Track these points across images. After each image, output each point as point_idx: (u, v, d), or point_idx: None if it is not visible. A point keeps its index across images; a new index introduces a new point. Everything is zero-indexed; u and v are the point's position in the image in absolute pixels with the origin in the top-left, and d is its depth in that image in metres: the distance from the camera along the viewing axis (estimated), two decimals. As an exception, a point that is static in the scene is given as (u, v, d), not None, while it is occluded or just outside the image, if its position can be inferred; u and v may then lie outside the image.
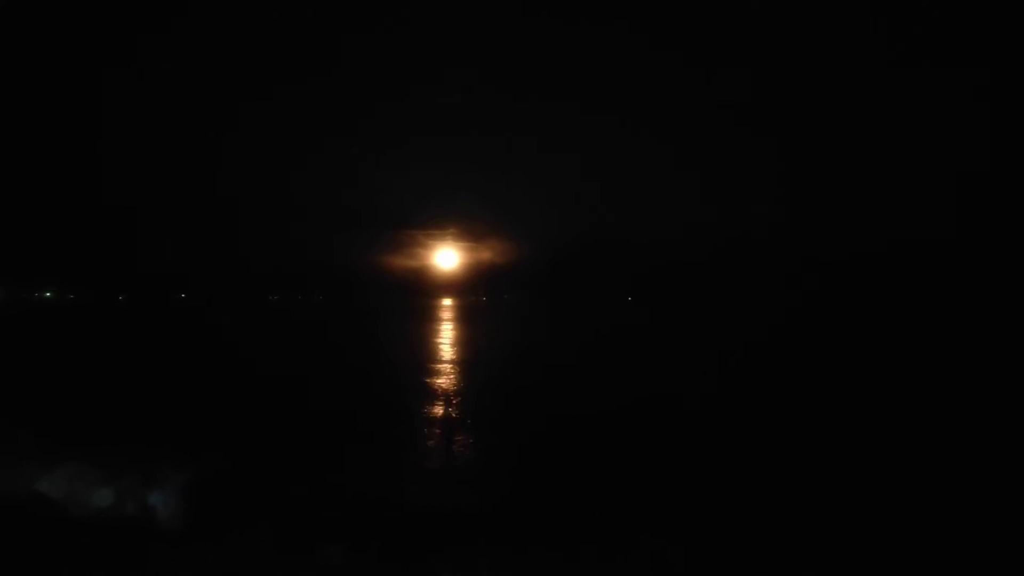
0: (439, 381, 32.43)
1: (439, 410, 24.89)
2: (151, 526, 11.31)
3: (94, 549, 9.90)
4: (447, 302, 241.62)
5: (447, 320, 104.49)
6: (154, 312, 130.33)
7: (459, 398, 27.81)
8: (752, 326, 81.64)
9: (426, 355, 45.57)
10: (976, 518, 12.65)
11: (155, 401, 24.98)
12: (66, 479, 12.71)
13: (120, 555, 9.71)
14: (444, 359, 42.71)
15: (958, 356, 42.27)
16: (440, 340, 61.26)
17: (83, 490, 12.51)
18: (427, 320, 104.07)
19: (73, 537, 10.43)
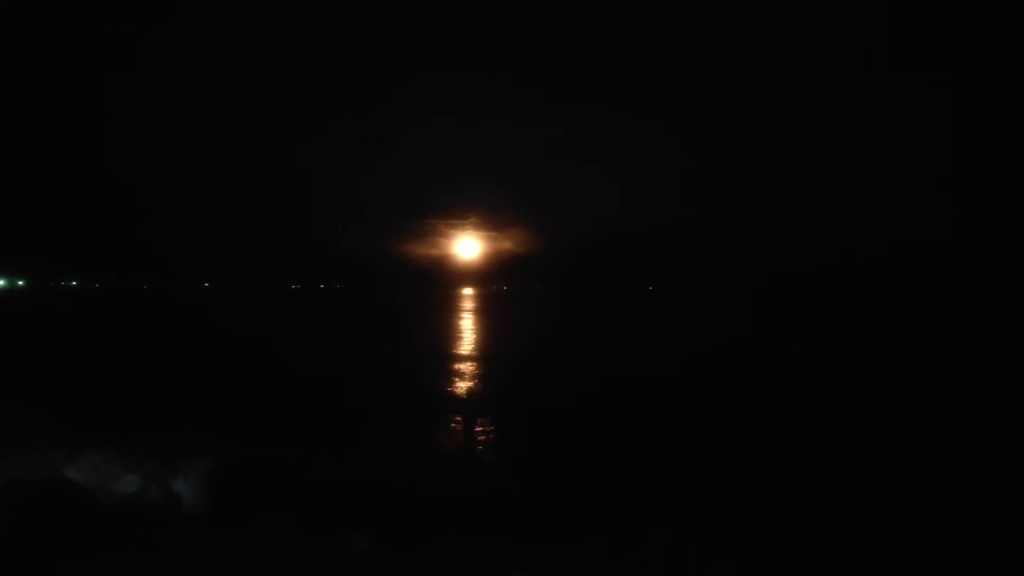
0: (460, 371, 32.54)
1: (460, 399, 25.00)
2: (176, 511, 11.47)
3: (122, 533, 10.05)
4: (468, 291, 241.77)
5: (468, 310, 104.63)
6: (177, 301, 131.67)
7: (480, 387, 27.89)
8: (756, 319, 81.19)
9: (448, 344, 45.71)
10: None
11: (179, 389, 25.27)
12: (92, 466, 12.91)
13: (146, 539, 9.85)
14: (466, 350, 42.84)
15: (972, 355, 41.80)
16: (462, 329, 61.42)
17: (109, 477, 12.70)
18: (447, 310, 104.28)
19: (101, 522, 10.58)
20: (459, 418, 21.46)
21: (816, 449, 17.44)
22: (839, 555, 10.56)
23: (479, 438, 19.02)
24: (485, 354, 39.99)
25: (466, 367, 33.75)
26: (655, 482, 14.48)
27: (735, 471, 15.35)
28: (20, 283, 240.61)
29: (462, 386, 27.80)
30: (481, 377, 30.77)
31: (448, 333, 56.81)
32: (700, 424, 20.42)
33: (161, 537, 9.96)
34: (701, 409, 22.64)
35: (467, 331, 59.86)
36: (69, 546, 9.53)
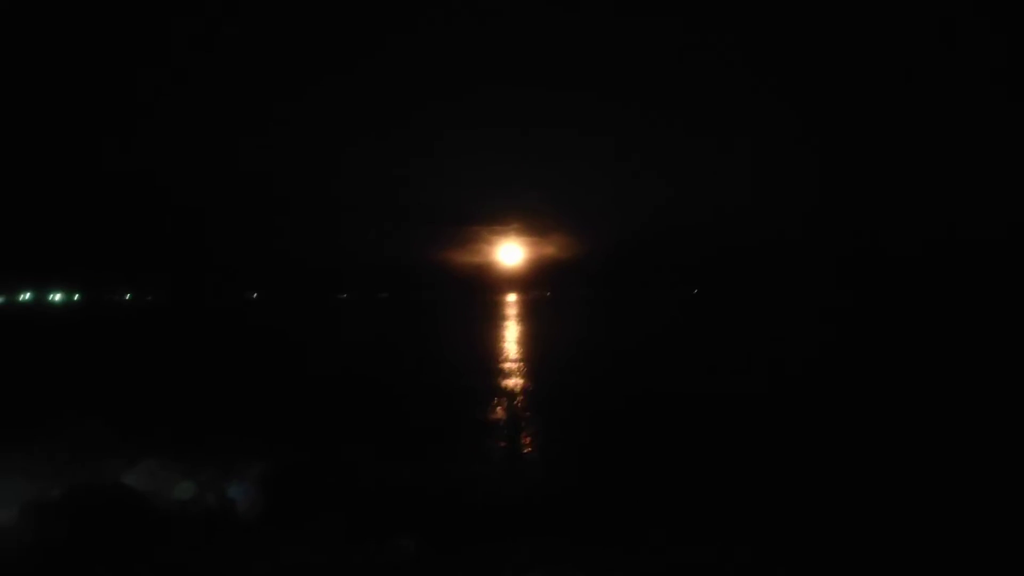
0: (506, 377, 32.59)
1: (507, 404, 25.03)
2: (230, 516, 11.68)
3: (177, 538, 10.28)
4: (511, 298, 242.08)
5: (511, 316, 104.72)
6: (228, 311, 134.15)
7: (525, 394, 27.91)
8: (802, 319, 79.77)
9: (493, 350, 45.83)
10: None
11: (231, 397, 25.74)
12: (149, 472, 13.22)
13: (201, 544, 10.05)
14: (511, 356, 42.92)
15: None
16: (505, 336, 61.52)
17: (165, 483, 13.00)
18: (491, 316, 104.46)
19: (157, 527, 10.84)
20: (506, 423, 21.49)
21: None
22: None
23: (526, 442, 19.04)
24: (530, 359, 39.99)
25: (511, 373, 33.80)
26: (704, 488, 14.33)
27: (789, 478, 15.12)
28: (75, 296, 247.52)
29: (508, 391, 27.83)
30: (526, 382, 30.78)
31: (492, 340, 56.92)
32: (753, 432, 20.17)
33: (215, 542, 10.15)
34: (750, 417, 22.33)
35: (511, 337, 59.92)
36: (127, 551, 9.77)
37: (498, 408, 24.02)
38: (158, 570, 9.15)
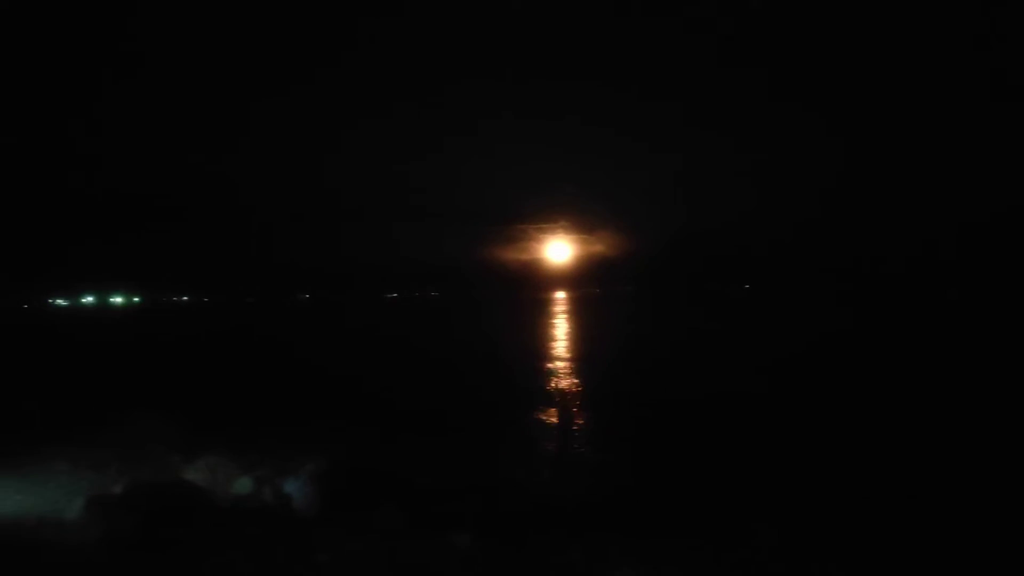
0: (557, 373, 32.49)
1: (559, 400, 24.92)
2: (287, 512, 11.81)
3: (236, 532, 10.41)
4: (560, 295, 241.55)
5: (560, 313, 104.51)
6: (283, 311, 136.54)
7: (577, 389, 27.78)
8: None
9: (544, 349, 45.75)
10: None
11: (286, 394, 26.13)
12: (208, 468, 13.46)
13: (260, 538, 10.17)
14: (562, 354, 42.80)
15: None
16: (555, 332, 61.41)
17: (224, 478, 13.22)
18: (540, 313, 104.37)
19: (217, 521, 11.00)
20: (558, 419, 21.39)
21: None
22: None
23: (579, 439, 18.92)
24: (581, 358, 39.79)
25: (562, 369, 33.68)
26: (759, 482, 14.06)
27: (845, 473, 14.75)
28: (136, 299, 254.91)
29: (560, 388, 27.71)
30: (578, 378, 30.63)
31: (543, 337, 56.85)
32: (806, 426, 19.75)
33: (273, 536, 10.25)
34: (805, 413, 21.87)
35: (561, 334, 59.77)
36: (189, 544, 9.93)
37: (552, 407, 23.87)
38: (219, 563, 9.27)
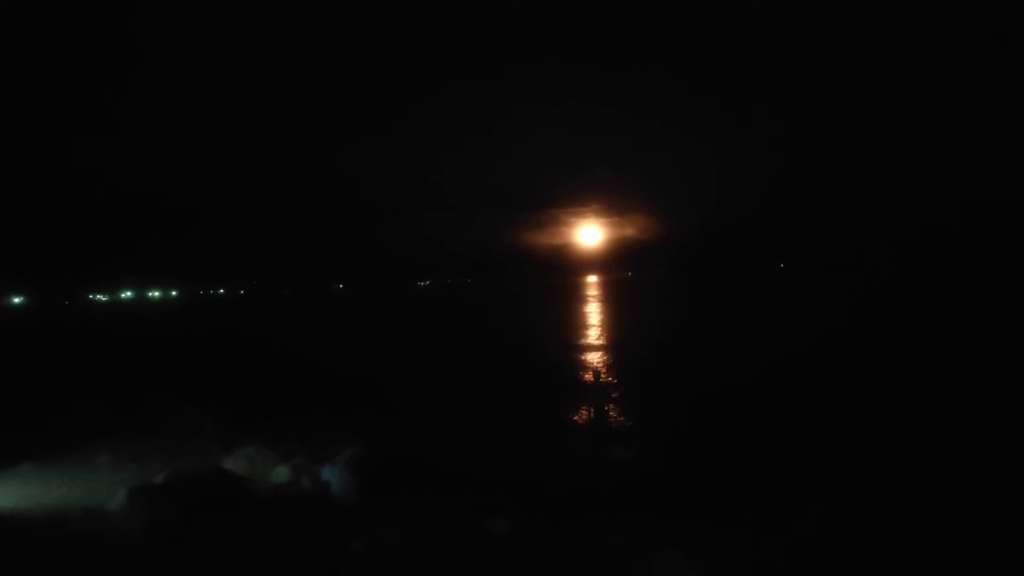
0: (593, 358, 32.37)
1: (594, 385, 24.80)
2: (324, 499, 11.91)
3: (275, 520, 10.52)
4: (592, 279, 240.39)
5: (593, 298, 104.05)
6: (319, 301, 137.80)
7: (609, 375, 27.65)
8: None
9: (576, 332, 45.63)
10: None
11: (321, 382, 26.33)
12: (247, 458, 13.62)
13: (298, 525, 10.26)
14: (596, 337, 42.66)
15: None
16: (589, 318, 61.20)
17: (263, 467, 13.37)
18: (574, 298, 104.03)
19: (256, 509, 11.12)
20: (594, 405, 21.28)
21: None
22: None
23: (616, 423, 18.83)
24: (617, 344, 39.56)
25: (598, 355, 33.54)
26: (801, 466, 13.86)
27: (889, 457, 14.49)
28: (173, 293, 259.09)
29: (596, 373, 27.57)
30: (614, 364, 30.50)
31: (577, 322, 56.69)
32: (851, 410, 19.44)
33: (312, 524, 10.33)
34: (849, 397, 21.51)
35: (595, 319, 59.54)
36: (230, 532, 10.05)
37: (588, 395, 23.74)
38: (260, 550, 9.36)
